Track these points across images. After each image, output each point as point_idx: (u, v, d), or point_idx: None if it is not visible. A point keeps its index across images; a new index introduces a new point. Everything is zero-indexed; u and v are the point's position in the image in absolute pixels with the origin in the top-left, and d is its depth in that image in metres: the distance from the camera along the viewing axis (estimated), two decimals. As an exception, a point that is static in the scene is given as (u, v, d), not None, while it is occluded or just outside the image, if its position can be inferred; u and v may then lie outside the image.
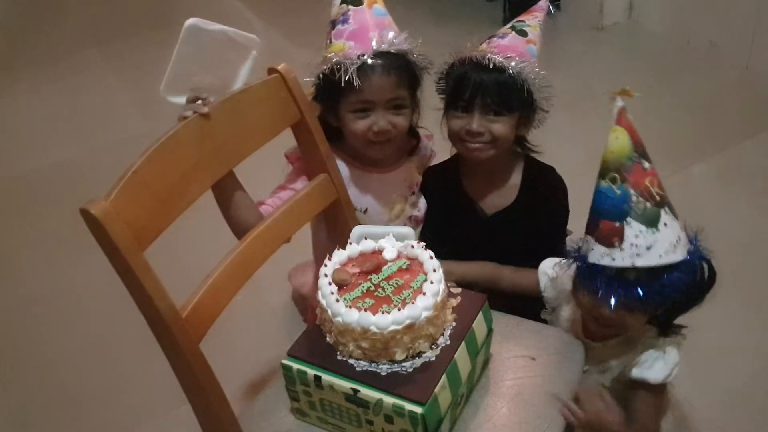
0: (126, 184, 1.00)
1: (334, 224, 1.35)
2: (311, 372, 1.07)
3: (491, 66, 1.34)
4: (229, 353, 1.91)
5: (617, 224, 1.14)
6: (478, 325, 1.14)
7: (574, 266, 1.24)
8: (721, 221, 2.15)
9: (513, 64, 1.34)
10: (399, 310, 1.04)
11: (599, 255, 1.16)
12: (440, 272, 1.11)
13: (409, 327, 1.04)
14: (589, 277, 1.19)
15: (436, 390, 1.02)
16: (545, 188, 1.48)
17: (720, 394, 1.72)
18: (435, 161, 1.56)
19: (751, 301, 1.97)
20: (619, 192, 1.13)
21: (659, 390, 1.30)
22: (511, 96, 1.35)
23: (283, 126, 1.23)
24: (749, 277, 2.02)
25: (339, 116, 1.35)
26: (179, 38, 1.12)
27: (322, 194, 1.29)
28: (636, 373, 1.27)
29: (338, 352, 1.09)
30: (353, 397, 1.05)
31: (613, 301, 1.17)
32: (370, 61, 1.27)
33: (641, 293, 1.15)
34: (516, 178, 1.48)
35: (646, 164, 1.15)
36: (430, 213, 1.53)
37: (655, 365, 1.27)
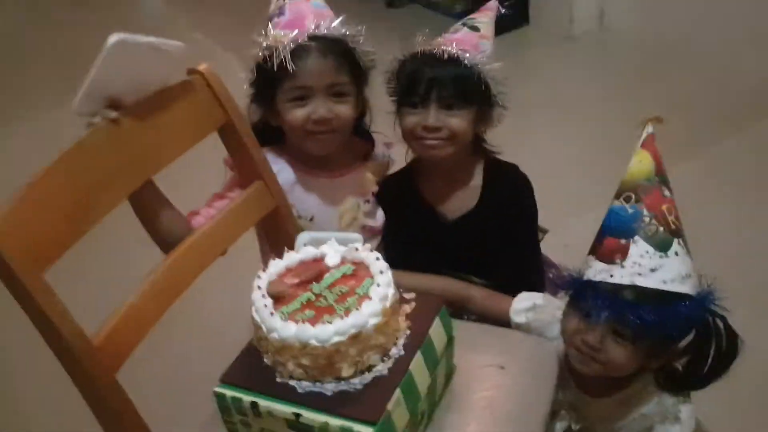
0: (22, 199, 0.88)
1: (274, 235, 1.23)
2: (247, 399, 0.94)
3: (445, 58, 1.26)
4: (160, 380, 1.81)
5: (622, 241, 1.05)
6: (436, 332, 1.02)
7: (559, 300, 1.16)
8: (707, 222, 2.04)
9: (468, 55, 1.27)
10: (342, 318, 0.92)
11: (597, 271, 1.07)
12: (389, 274, 0.99)
13: (355, 337, 0.91)
14: (581, 294, 1.09)
15: (389, 407, 0.90)
16: (509, 187, 1.38)
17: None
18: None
19: (741, 299, 1.86)
20: (631, 210, 1.06)
21: None
22: (467, 88, 1.27)
23: (208, 130, 1.12)
24: (737, 275, 1.91)
25: (278, 111, 1.25)
26: (101, 54, 1.00)
27: (258, 203, 1.18)
28: None
29: (278, 374, 0.96)
30: (296, 423, 0.92)
31: (601, 316, 1.05)
32: (305, 43, 1.19)
33: (634, 315, 1.03)
34: (477, 180, 1.38)
35: (667, 192, 1.08)
36: (388, 225, 1.42)
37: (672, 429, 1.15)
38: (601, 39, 3.47)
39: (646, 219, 1.05)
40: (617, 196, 1.08)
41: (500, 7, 1.39)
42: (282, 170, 1.29)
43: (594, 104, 2.85)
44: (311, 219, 1.31)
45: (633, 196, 1.06)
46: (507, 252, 1.36)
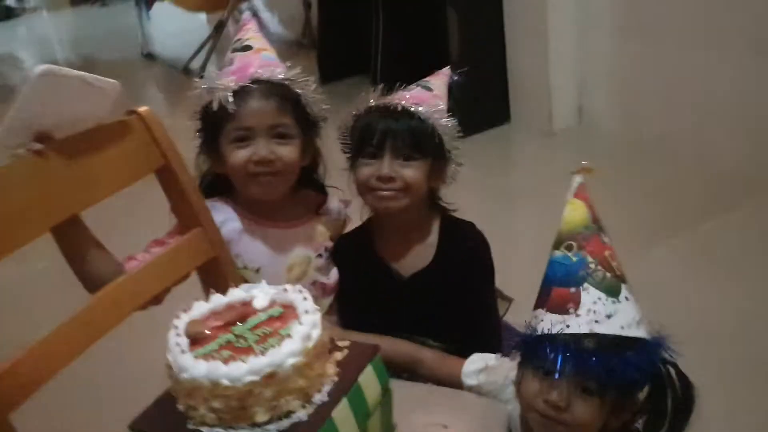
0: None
1: (213, 286, 1.17)
2: (154, 446, 0.87)
3: (399, 110, 1.27)
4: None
5: (572, 290, 1.00)
6: (368, 380, 0.95)
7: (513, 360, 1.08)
8: (684, 301, 2.04)
9: (422, 109, 1.28)
10: (257, 356, 0.85)
11: (550, 324, 1.00)
12: (316, 316, 0.93)
13: (271, 377, 0.84)
14: (537, 349, 1.02)
15: (303, 455, 0.82)
16: (464, 244, 1.34)
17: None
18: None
19: (718, 375, 1.77)
20: (575, 259, 1.02)
21: None
22: (421, 140, 1.27)
23: (144, 171, 1.09)
24: (716, 353, 1.83)
25: (222, 156, 1.23)
26: (27, 84, 1.00)
27: (194, 250, 1.13)
28: None
29: (190, 421, 0.89)
30: (203, 473, 0.84)
31: (565, 368, 0.98)
32: (246, 85, 1.19)
33: (600, 364, 0.97)
34: (433, 237, 1.35)
35: (605, 238, 1.05)
36: (343, 283, 1.37)
37: None
38: (580, 134, 3.50)
39: (592, 266, 1.01)
40: (557, 246, 1.04)
41: (453, 75, 1.40)
42: (229, 219, 1.26)
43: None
44: (257, 270, 1.27)
45: (574, 245, 1.02)
46: (463, 311, 1.30)
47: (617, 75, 3.37)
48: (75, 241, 1.07)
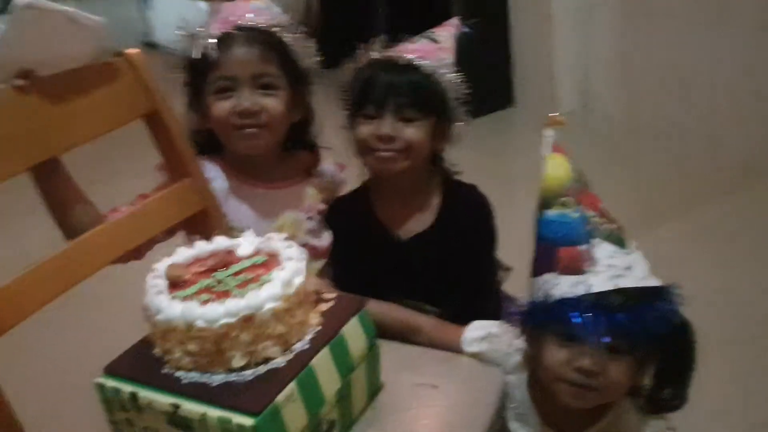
0: None
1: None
2: (126, 389, 0.83)
3: (402, 64, 1.21)
4: (45, 374, 1.86)
5: (582, 248, 0.94)
6: (352, 332, 0.91)
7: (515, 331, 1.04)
8: (687, 280, 1.98)
9: (426, 63, 1.22)
10: (235, 299, 0.82)
11: (569, 286, 0.94)
12: (300, 264, 0.89)
13: (248, 320, 0.81)
14: (560, 316, 0.94)
15: (278, 400, 0.78)
16: (467, 208, 1.28)
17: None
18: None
19: (724, 356, 1.73)
20: (575, 215, 0.96)
21: None
22: (425, 97, 1.20)
23: (131, 116, 1.05)
24: (720, 331, 1.79)
25: (208, 110, 1.19)
26: (9, 17, 0.97)
27: (181, 201, 1.09)
28: None
29: (166, 366, 0.85)
30: (174, 417, 0.80)
31: (596, 329, 0.92)
32: (229, 32, 1.15)
33: (634, 320, 0.91)
34: (435, 200, 1.29)
35: (593, 191, 1.00)
36: (337, 247, 1.33)
37: None
38: (584, 119, 3.47)
39: (595, 220, 0.96)
40: (547, 206, 0.98)
41: (461, 26, 1.33)
42: (216, 178, 1.22)
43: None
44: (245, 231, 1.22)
45: (571, 200, 0.96)
46: (462, 276, 1.25)
47: (621, 59, 3.32)
48: (55, 188, 1.03)
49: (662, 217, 2.47)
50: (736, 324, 1.88)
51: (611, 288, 0.92)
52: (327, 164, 1.34)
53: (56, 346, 1.99)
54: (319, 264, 1.30)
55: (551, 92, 3.43)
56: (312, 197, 1.30)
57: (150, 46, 5.09)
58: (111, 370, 0.86)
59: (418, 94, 1.20)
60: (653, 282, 0.94)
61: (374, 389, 0.98)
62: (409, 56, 1.22)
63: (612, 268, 0.93)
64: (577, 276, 0.94)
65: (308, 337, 0.87)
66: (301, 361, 0.83)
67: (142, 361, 0.86)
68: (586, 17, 3.36)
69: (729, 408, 1.63)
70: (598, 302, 0.92)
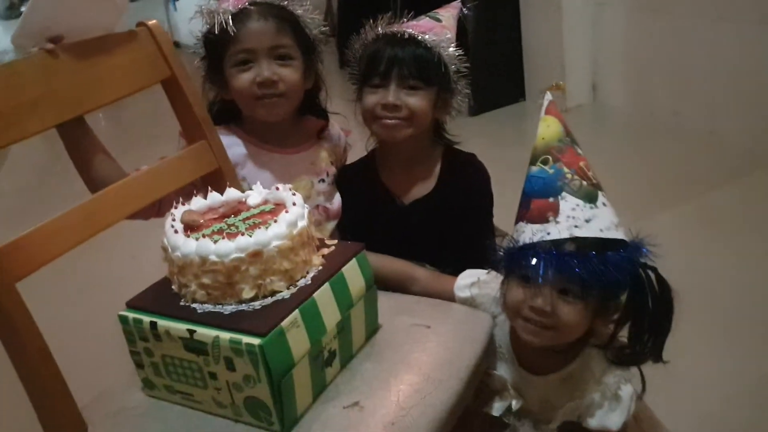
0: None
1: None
2: (147, 319, 0.92)
3: (406, 38, 1.29)
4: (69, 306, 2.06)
5: (551, 200, 1.03)
6: (351, 273, 1.00)
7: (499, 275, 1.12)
8: (688, 261, 2.04)
9: (428, 37, 1.30)
10: (244, 237, 0.90)
11: (532, 233, 1.03)
12: (303, 210, 0.98)
13: (256, 255, 0.90)
14: (520, 258, 1.04)
15: (283, 324, 0.87)
16: (465, 174, 1.37)
17: (694, 420, 1.52)
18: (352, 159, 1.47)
19: (720, 334, 1.79)
20: (551, 171, 1.05)
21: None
22: (427, 68, 1.29)
23: (151, 80, 1.14)
24: (714, 309, 1.86)
25: (227, 82, 1.27)
26: None
27: (197, 161, 1.18)
28: (595, 423, 1.10)
29: (182, 299, 0.94)
30: (190, 342, 0.89)
31: (548, 272, 1.00)
32: (245, 7, 1.23)
33: (580, 265, 0.99)
34: (436, 168, 1.38)
35: (579, 150, 1.08)
36: (346, 210, 1.41)
37: (611, 411, 1.09)
38: (594, 111, 3.54)
39: (569, 176, 1.04)
40: (533, 162, 1.07)
41: (463, 8, 1.43)
42: (233, 145, 1.30)
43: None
44: None
45: (550, 158, 1.05)
46: (459, 238, 1.33)
47: (630, 52, 3.39)
48: (82, 145, 1.12)
49: (667, 203, 2.53)
50: (737, 305, 1.93)
51: (566, 236, 1.01)
52: (334, 128, 1.43)
53: (84, 286, 2.28)
54: (332, 225, 1.38)
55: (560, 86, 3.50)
56: (324, 160, 1.39)
57: (175, 45, 5.21)
58: (133, 304, 0.96)
59: (421, 65, 1.28)
60: (614, 234, 1.02)
61: (372, 328, 1.07)
62: (412, 31, 1.30)
63: (572, 219, 1.02)
64: (540, 224, 1.03)
65: (311, 274, 0.96)
66: (304, 293, 0.92)
67: (161, 297, 0.96)
68: (596, 11, 3.43)
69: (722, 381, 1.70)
70: (552, 248, 1.01)
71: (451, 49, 1.31)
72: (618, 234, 1.02)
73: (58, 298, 1.94)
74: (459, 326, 1.09)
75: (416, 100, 1.28)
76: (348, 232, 1.40)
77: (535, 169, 1.06)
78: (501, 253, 1.10)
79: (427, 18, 1.36)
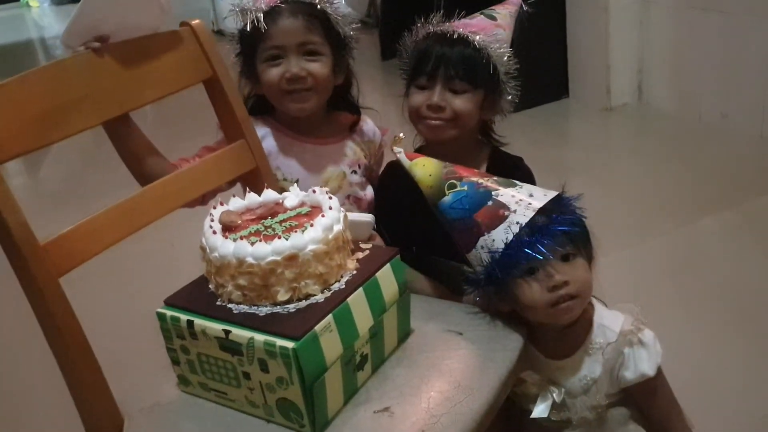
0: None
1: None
2: (184, 318, 0.94)
3: (455, 38, 1.28)
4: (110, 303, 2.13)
5: (489, 203, 1.08)
6: (385, 278, 1.00)
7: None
8: (729, 270, 2.03)
9: (478, 38, 1.28)
10: (281, 240, 0.91)
11: (503, 234, 1.06)
12: (340, 214, 0.99)
13: (291, 258, 0.91)
14: (516, 255, 1.05)
15: (316, 328, 0.88)
16: (511, 176, 1.36)
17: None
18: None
19: (759, 346, 1.75)
20: (465, 187, 1.11)
21: (659, 375, 1.14)
22: (475, 70, 1.27)
23: (193, 80, 1.17)
24: (756, 321, 1.82)
25: (259, 77, 1.30)
26: None
27: (237, 159, 1.20)
28: (631, 375, 1.12)
29: (219, 299, 0.96)
30: (226, 342, 0.90)
31: (554, 251, 1.05)
32: (276, 5, 1.25)
33: (562, 225, 1.06)
34: (482, 169, 1.35)
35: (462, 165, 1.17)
36: (385, 206, 1.42)
37: (641, 359, 1.11)
38: (639, 112, 3.49)
39: (481, 181, 1.11)
40: (441, 197, 1.12)
41: (523, 5, 1.40)
42: (266, 136, 1.33)
43: (627, 171, 2.90)
44: (296, 182, 1.33)
45: (454, 181, 1.11)
46: None
47: (677, 51, 3.32)
48: (128, 141, 1.16)
49: (711, 208, 2.48)
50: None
51: (532, 215, 1.05)
52: (368, 124, 1.44)
53: (123, 275, 2.31)
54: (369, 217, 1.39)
55: (606, 84, 3.45)
56: (354, 152, 1.40)
57: (219, 33, 5.31)
58: (171, 302, 0.98)
59: (468, 66, 1.27)
60: (550, 193, 1.09)
61: (404, 333, 1.07)
62: (462, 31, 1.29)
63: (521, 202, 1.07)
64: (502, 224, 1.06)
65: (345, 279, 0.97)
66: (338, 298, 0.93)
67: (198, 295, 0.98)
68: (642, 10, 3.38)
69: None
70: (533, 230, 1.05)
71: (501, 49, 1.29)
72: (552, 193, 1.10)
73: (97, 287, 1.97)
74: (492, 333, 1.08)
75: (461, 102, 1.28)
76: (388, 231, 1.40)
77: (448, 199, 1.11)
78: (487, 274, 1.09)
79: (482, 16, 1.34)
